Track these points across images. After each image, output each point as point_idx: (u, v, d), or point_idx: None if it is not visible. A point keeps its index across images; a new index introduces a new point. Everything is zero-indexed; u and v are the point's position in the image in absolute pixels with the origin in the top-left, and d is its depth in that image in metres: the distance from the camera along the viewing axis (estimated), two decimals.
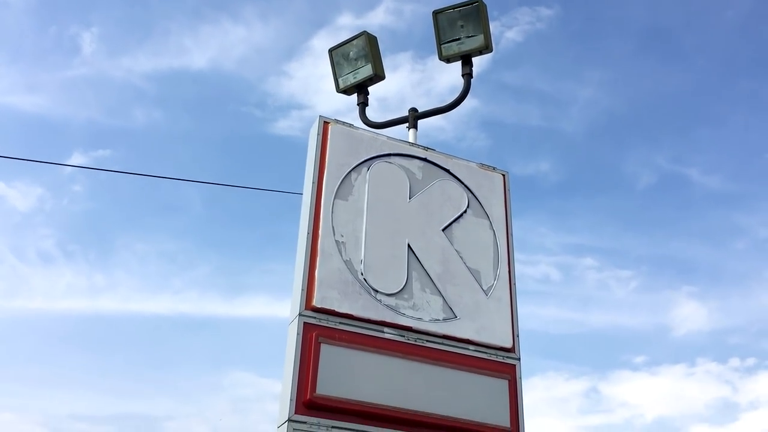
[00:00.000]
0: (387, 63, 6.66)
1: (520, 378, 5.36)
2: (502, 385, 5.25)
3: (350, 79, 6.75)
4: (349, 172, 5.52)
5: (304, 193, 5.45)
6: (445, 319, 5.28)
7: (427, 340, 5.15)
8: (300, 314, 4.83)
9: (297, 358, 4.69)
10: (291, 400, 4.56)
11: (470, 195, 5.95)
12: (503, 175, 6.25)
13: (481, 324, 5.39)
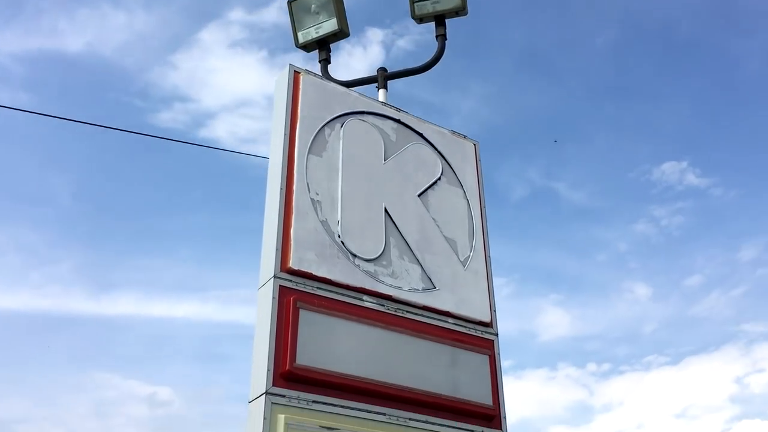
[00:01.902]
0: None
1: (499, 354, 5.05)
2: (483, 360, 4.91)
3: (312, 34, 6.23)
4: (323, 126, 5.02)
5: (272, 147, 4.91)
6: (424, 290, 4.89)
7: (407, 311, 4.74)
8: (275, 276, 4.29)
9: (273, 325, 4.16)
10: (268, 371, 4.01)
11: (444, 162, 5.59)
12: (474, 144, 5.94)
13: (459, 296, 5.04)
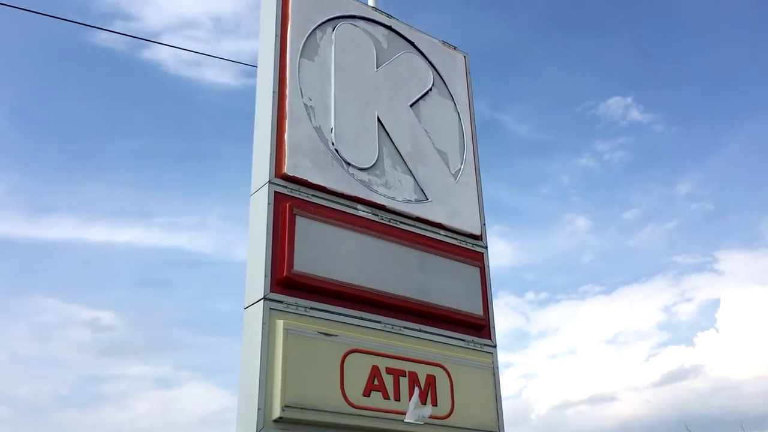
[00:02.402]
0: None
1: (488, 267, 5.05)
2: (474, 272, 4.91)
3: None
4: (314, 29, 4.81)
5: (262, 50, 4.69)
6: (417, 201, 4.82)
7: (400, 222, 4.68)
8: (270, 182, 4.16)
9: (269, 231, 4.05)
10: (266, 276, 3.93)
11: (435, 73, 5.44)
12: (464, 57, 5.79)
13: (451, 208, 4.99)
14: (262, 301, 3.87)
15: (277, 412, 3.64)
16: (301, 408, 3.71)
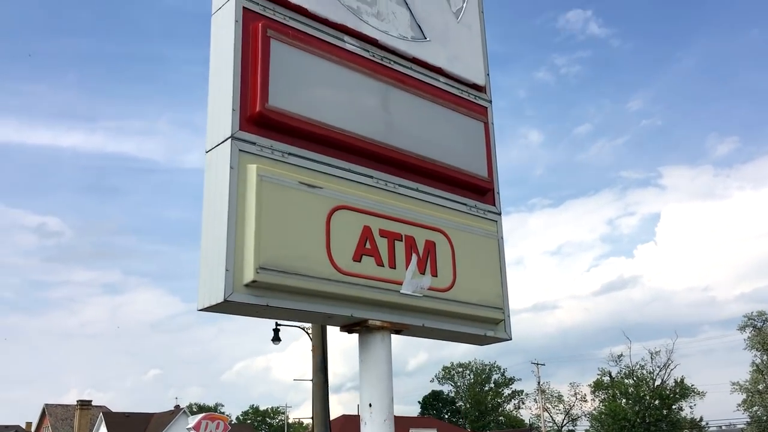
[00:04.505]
0: None
1: (493, 124, 4.32)
2: (478, 127, 4.18)
3: None
4: None
5: None
6: (414, 39, 4.00)
7: (395, 62, 3.87)
8: None
9: (237, 56, 3.22)
10: (233, 111, 3.12)
11: None
12: None
13: (452, 52, 4.19)
14: (229, 140, 3.08)
15: (249, 275, 2.93)
16: (279, 271, 3.00)
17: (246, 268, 2.94)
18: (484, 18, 4.53)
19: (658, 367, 53.06)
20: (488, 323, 3.86)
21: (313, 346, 6.01)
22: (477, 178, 4.03)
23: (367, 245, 3.36)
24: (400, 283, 3.42)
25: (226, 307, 2.95)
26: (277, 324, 25.88)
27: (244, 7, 3.30)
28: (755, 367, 48.82)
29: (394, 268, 3.43)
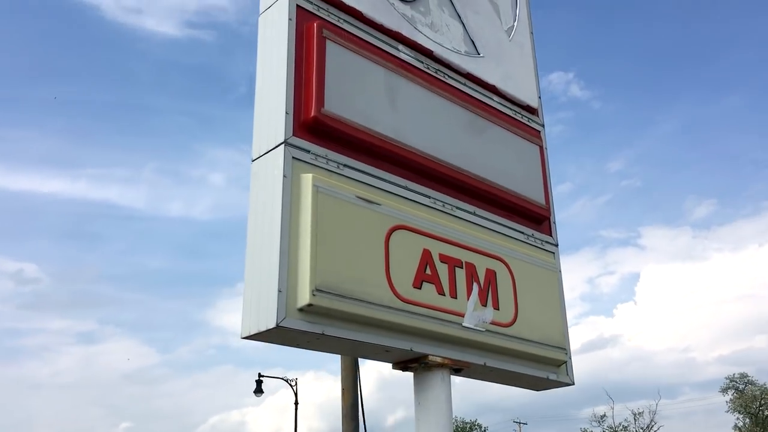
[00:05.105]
0: None
1: (547, 149, 4.00)
2: (534, 151, 3.86)
3: None
4: None
5: None
6: (467, 53, 3.71)
7: (449, 76, 3.57)
8: None
9: (291, 56, 2.90)
10: (287, 114, 2.78)
11: None
12: None
13: (506, 70, 3.90)
14: (282, 146, 2.73)
15: (304, 297, 2.54)
16: (336, 294, 2.61)
17: (300, 290, 2.55)
18: (534, 39, 4.26)
19: (642, 428, 52.09)
20: (550, 365, 3.46)
21: (343, 389, 5.52)
22: (535, 204, 3.69)
23: (428, 271, 2.99)
24: (462, 315, 3.04)
25: (275, 335, 2.56)
26: (260, 375, 25.12)
27: (298, 5, 2.99)
28: (737, 431, 47.97)
29: (456, 298, 3.05)
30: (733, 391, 48.21)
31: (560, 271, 3.73)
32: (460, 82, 3.62)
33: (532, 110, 4.01)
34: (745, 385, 48.07)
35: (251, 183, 2.82)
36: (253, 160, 2.85)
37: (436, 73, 3.50)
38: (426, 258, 3.00)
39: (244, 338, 2.60)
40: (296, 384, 26.01)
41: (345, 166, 2.91)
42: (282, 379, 26.30)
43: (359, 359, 5.79)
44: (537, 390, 3.68)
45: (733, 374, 49.45)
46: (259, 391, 25.27)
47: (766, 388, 46.54)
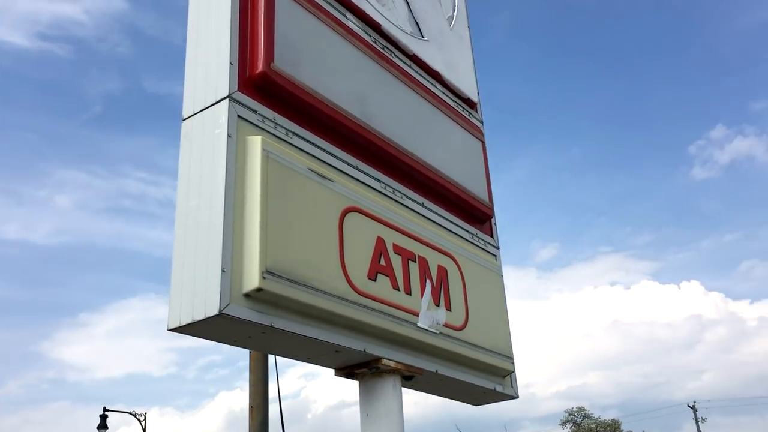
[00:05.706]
0: None
1: (486, 150, 3.75)
2: (477, 146, 3.60)
3: None
4: None
5: None
6: (412, 35, 3.41)
7: (395, 55, 3.24)
8: None
9: (236, 2, 2.46)
10: (231, 65, 2.33)
11: None
12: None
13: (448, 59, 3.63)
14: (226, 101, 2.27)
15: (253, 280, 2.08)
16: (290, 280, 2.17)
17: (247, 272, 2.09)
18: (471, 33, 4.03)
19: None
20: (497, 375, 3.16)
21: (251, 406, 4.90)
22: (480, 201, 3.41)
23: (382, 261, 2.60)
24: (416, 314, 2.67)
25: (212, 326, 2.07)
26: (105, 409, 23.25)
27: None
28: None
29: (410, 295, 2.68)
30: (571, 424, 50.55)
31: (502, 275, 3.45)
32: (406, 64, 3.30)
33: (472, 104, 3.75)
34: (582, 419, 50.57)
35: (181, 145, 2.33)
36: (184, 119, 2.36)
37: (383, 49, 3.16)
38: (380, 247, 2.62)
39: (171, 330, 2.09)
40: (145, 419, 24.42)
41: (294, 134, 2.48)
42: (130, 413, 24.52)
43: (267, 372, 5.23)
44: (476, 404, 3.36)
45: (572, 408, 51.96)
46: (103, 426, 23.32)
47: (600, 421, 49.03)
